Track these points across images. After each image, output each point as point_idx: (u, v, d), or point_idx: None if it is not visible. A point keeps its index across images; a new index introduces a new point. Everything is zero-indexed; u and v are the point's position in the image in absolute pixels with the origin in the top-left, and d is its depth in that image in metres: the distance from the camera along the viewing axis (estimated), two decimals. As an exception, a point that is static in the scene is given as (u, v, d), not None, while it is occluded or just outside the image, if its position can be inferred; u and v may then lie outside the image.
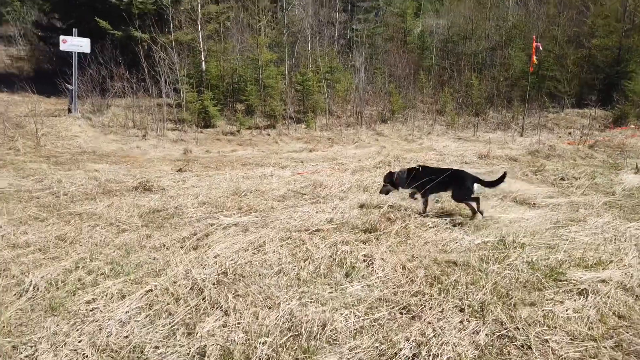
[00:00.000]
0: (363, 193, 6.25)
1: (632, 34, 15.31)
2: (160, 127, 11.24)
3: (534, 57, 11.29)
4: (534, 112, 13.15)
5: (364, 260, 4.03)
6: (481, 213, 5.18)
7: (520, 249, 4.30)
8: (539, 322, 3.04)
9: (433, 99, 14.83)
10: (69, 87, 12.23)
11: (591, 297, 3.34)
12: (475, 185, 5.18)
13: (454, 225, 5.00)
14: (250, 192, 6.20)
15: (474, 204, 5.21)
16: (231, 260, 4.08)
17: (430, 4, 31.31)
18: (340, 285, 3.59)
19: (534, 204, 5.77)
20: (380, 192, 5.67)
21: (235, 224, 5.03)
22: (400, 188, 5.47)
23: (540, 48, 11.34)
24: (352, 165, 7.91)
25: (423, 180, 5.20)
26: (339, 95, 15.01)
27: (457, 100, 14.58)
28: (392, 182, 5.47)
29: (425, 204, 5.34)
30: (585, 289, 3.44)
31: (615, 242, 4.49)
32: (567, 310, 3.18)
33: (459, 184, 5.17)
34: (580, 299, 3.35)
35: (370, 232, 4.74)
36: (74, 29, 12.54)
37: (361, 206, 5.60)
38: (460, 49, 19.32)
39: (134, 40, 14.81)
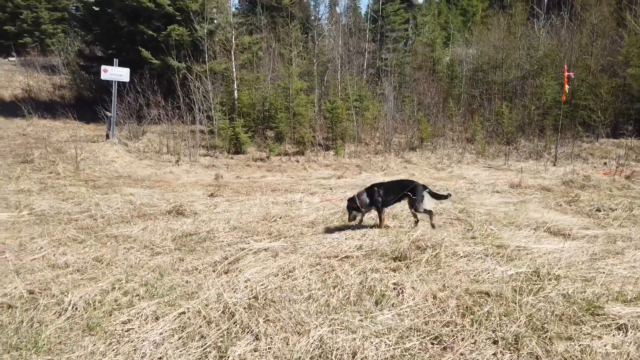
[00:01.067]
0: (392, 220, 6.24)
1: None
2: (192, 153, 11.55)
3: (566, 87, 11.18)
4: (567, 141, 12.89)
5: (394, 289, 4.00)
6: (433, 226, 5.74)
7: (555, 281, 4.18)
8: (576, 357, 2.94)
9: (463, 127, 14.76)
10: (108, 114, 12.77)
11: (631, 332, 3.21)
12: (426, 197, 5.68)
13: (486, 255, 4.91)
14: (280, 218, 6.27)
15: (426, 215, 5.77)
16: (262, 285, 4.12)
17: (459, 33, 31.51)
18: (370, 313, 3.56)
19: (568, 235, 5.62)
20: (349, 219, 5.81)
21: (265, 249, 5.09)
22: (364, 209, 5.71)
23: (572, 77, 11.21)
24: (381, 192, 7.90)
25: (381, 196, 5.63)
26: (367, 122, 15.13)
27: (488, 129, 14.46)
28: (355, 206, 5.67)
29: (381, 217, 5.78)
30: (624, 324, 3.31)
31: (656, 276, 4.32)
32: (605, 346, 3.06)
33: (412, 193, 5.65)
34: (619, 334, 3.22)
35: (400, 260, 4.70)
36: (114, 59, 13.18)
37: (390, 233, 5.58)
38: (490, 77, 19.26)
39: (170, 69, 15.42)
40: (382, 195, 5.63)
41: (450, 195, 5.88)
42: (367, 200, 5.64)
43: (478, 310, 3.58)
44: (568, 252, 5.01)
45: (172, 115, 13.77)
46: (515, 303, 3.69)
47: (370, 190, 5.68)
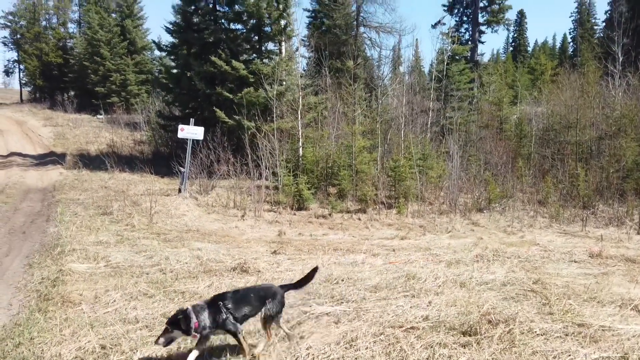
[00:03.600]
0: (460, 289, 5.93)
1: None
2: (257, 208, 11.86)
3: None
4: (653, 207, 11.91)
5: (465, 368, 3.75)
6: (289, 338, 4.30)
7: (651, 371, 3.74)
8: None
9: (534, 189, 14.08)
10: (182, 169, 13.54)
11: None
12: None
13: (566, 335, 4.51)
14: (342, 280, 6.17)
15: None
16: (324, 353, 4.02)
17: (527, 91, 30.90)
18: (439, 395, 3.34)
19: (662, 316, 5.06)
20: (156, 342, 3.76)
21: (327, 314, 5.00)
22: (202, 332, 3.82)
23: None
24: (446, 257, 7.62)
25: (231, 311, 3.91)
26: (431, 181, 14.88)
27: (561, 191, 13.68)
28: (183, 328, 3.71)
29: (240, 341, 3.96)
30: None
31: None
32: None
33: (272, 302, 4.11)
34: None
35: (469, 335, 4.43)
36: (191, 119, 14.14)
37: (457, 303, 5.29)
38: (562, 137, 18.48)
39: (241, 127, 16.27)
40: (233, 310, 3.91)
41: (317, 267, 4.50)
42: (208, 322, 3.82)
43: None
44: (663, 336, 4.49)
45: (240, 171, 14.36)
46: (605, 395, 3.32)
47: (214, 304, 3.91)
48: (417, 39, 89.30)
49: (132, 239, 8.38)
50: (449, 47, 25.02)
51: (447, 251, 8.08)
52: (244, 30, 18.96)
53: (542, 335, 4.50)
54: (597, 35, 51.73)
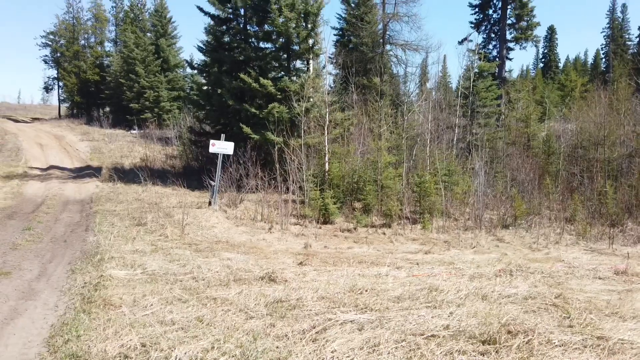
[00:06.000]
0: (482, 301, 6.06)
1: None
2: (284, 222, 12.20)
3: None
4: (684, 225, 11.71)
5: (482, 374, 3.91)
6: None
7: (667, 383, 3.83)
8: None
9: (561, 206, 13.99)
10: (212, 183, 14.04)
11: None
12: None
13: (585, 347, 4.61)
14: (366, 291, 6.38)
15: None
16: (347, 356, 4.25)
17: (555, 108, 30.58)
18: (456, 396, 3.52)
19: (687, 333, 5.08)
20: None
21: (351, 321, 5.22)
22: None
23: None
24: (469, 271, 7.74)
25: None
26: (456, 197, 14.96)
27: (589, 209, 13.56)
28: None
29: None
30: None
31: None
32: None
33: None
34: None
35: (489, 344, 4.58)
36: (222, 134, 14.69)
37: (478, 314, 5.44)
38: (591, 154, 18.29)
39: (270, 142, 16.76)
40: None
41: None
42: None
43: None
44: (684, 351, 4.54)
45: (268, 185, 14.78)
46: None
47: None
48: (444, 55, 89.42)
49: (166, 249, 8.81)
50: (476, 64, 25.10)
51: (470, 266, 8.19)
52: (274, 49, 19.56)
53: (560, 346, 4.61)
54: (631, 51, 50.82)
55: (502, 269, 7.82)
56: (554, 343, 4.66)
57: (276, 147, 16.04)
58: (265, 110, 17.39)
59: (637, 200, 13.68)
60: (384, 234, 12.12)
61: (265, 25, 19.21)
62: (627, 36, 55.76)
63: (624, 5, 55.73)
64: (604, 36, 58.26)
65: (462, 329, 4.98)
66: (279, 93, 17.81)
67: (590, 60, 62.40)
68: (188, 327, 4.99)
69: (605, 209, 12.91)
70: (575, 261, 8.72)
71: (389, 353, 4.38)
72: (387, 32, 31.69)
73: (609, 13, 56.90)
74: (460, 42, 37.98)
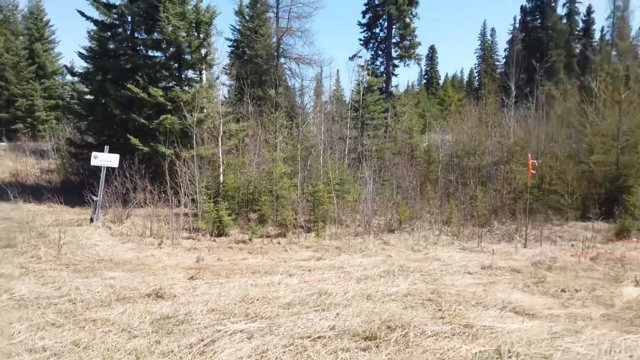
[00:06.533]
0: (367, 301, 6.44)
1: (629, 152, 16.14)
2: (175, 236, 11.77)
3: (531, 172, 12.05)
4: (538, 224, 13.49)
5: (362, 367, 4.18)
6: None
7: (515, 358, 4.42)
8: None
9: (439, 210, 15.33)
10: (94, 198, 13.08)
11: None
12: None
13: (453, 335, 5.13)
14: (258, 300, 6.43)
15: None
16: (234, 365, 4.26)
17: (435, 121, 33.51)
18: (337, 391, 3.72)
19: (533, 314, 5.89)
20: None
21: (241, 331, 5.24)
22: None
23: (537, 164, 12.15)
24: (357, 273, 8.16)
25: None
26: (348, 205, 15.65)
27: (463, 212, 15.06)
28: None
29: None
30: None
31: (610, 354, 4.58)
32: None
33: None
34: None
35: (370, 340, 4.90)
36: (105, 146, 13.78)
37: (362, 313, 5.78)
38: (465, 163, 20.35)
39: (159, 155, 16.07)
40: None
41: None
42: None
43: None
44: (531, 330, 5.26)
45: (158, 199, 14.15)
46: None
47: None
48: (337, 70, 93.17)
49: (38, 271, 8.03)
50: (365, 79, 26.57)
51: (358, 269, 8.63)
52: (164, 58, 18.88)
53: (432, 336, 5.08)
54: (499, 70, 57.37)
55: (386, 270, 8.37)
56: (427, 334, 5.13)
57: (167, 160, 15.45)
58: (156, 121, 16.69)
59: (502, 203, 15.50)
60: (279, 243, 12.26)
61: (155, 33, 18.49)
62: (495, 57, 62.99)
63: (492, 29, 63.28)
64: (477, 56, 65.21)
65: (346, 328, 5.25)
66: (170, 103, 17.23)
67: (465, 78, 69.42)
68: (62, 352, 4.62)
69: (476, 212, 14.43)
70: (449, 259, 9.62)
71: (277, 358, 4.48)
72: (281, 46, 32.25)
73: (480, 36, 63.89)
74: (351, 58, 40.08)
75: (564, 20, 47.10)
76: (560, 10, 47.20)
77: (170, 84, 18.93)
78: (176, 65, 18.97)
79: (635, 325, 5.45)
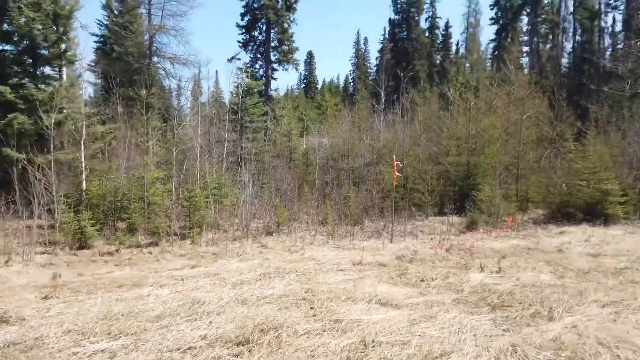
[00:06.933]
0: (241, 306, 6.40)
1: (477, 153, 18.37)
2: (27, 251, 10.46)
3: (395, 173, 13.09)
4: (403, 220, 14.66)
5: (232, 374, 4.14)
6: None
7: (378, 347, 4.75)
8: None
9: (316, 211, 15.84)
10: None
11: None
12: None
13: (324, 331, 5.33)
14: (123, 315, 6.01)
15: None
16: (91, 389, 3.93)
17: (313, 124, 34.59)
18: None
19: (396, 304, 6.38)
20: None
21: (102, 351, 4.86)
22: None
23: (401, 165, 13.25)
24: (233, 279, 8.06)
25: None
26: (226, 209, 15.36)
27: (338, 212, 15.74)
28: None
29: None
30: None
31: (458, 334, 5.15)
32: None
33: None
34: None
35: (243, 345, 4.88)
36: None
37: (236, 319, 5.73)
38: (339, 165, 21.33)
39: (8, 160, 14.16)
40: None
41: None
42: None
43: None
44: (393, 320, 5.69)
45: (6, 210, 12.44)
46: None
47: None
48: (217, 71, 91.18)
49: None
50: (244, 82, 26.38)
51: (234, 274, 8.53)
52: (15, 52, 16.74)
53: (304, 334, 5.24)
54: (371, 77, 61.07)
55: (263, 273, 8.40)
56: (300, 333, 5.27)
57: (18, 165, 13.66)
58: (3, 122, 14.68)
59: (372, 202, 16.56)
60: (151, 252, 11.57)
61: (5, 25, 16.28)
62: (368, 64, 66.90)
63: (365, 38, 67.04)
64: (352, 63, 68.54)
65: (219, 335, 5.17)
66: (22, 102, 15.30)
67: (342, 83, 72.70)
68: None
69: (349, 211, 15.20)
70: (324, 258, 9.99)
71: (141, 375, 4.23)
72: (154, 44, 30.50)
73: (354, 44, 67.31)
74: (230, 60, 39.41)
75: (427, 33, 51.86)
76: (423, 24, 51.90)
77: (23, 81, 16.79)
78: (30, 60, 16.92)
79: (479, 307, 6.22)
